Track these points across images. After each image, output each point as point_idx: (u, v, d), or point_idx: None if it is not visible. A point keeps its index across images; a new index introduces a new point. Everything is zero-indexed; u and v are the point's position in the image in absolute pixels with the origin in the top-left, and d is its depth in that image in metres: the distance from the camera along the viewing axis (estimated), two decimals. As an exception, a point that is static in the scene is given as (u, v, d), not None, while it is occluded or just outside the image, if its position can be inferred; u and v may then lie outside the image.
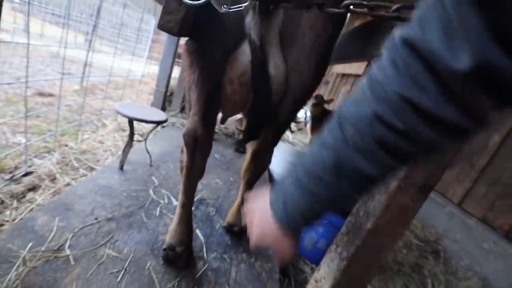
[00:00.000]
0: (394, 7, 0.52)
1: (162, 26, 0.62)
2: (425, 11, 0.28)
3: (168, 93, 3.13)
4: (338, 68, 5.23)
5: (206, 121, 0.85)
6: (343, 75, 5.16)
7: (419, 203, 0.61)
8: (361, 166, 0.33)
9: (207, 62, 0.77)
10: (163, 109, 3.00)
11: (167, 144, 2.08)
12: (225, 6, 0.53)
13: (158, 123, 1.49)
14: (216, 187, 1.67)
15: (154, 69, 5.12)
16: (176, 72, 3.42)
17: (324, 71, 0.92)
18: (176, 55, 3.03)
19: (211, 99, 0.81)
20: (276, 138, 1.00)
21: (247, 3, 0.52)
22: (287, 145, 2.23)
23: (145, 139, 1.67)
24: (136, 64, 4.35)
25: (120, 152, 1.62)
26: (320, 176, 0.37)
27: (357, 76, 4.50)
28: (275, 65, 0.79)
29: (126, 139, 1.58)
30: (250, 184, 1.14)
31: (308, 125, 2.89)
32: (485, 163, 2.00)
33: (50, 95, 2.68)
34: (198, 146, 0.87)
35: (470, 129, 0.29)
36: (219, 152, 2.20)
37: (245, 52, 0.77)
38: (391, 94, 0.29)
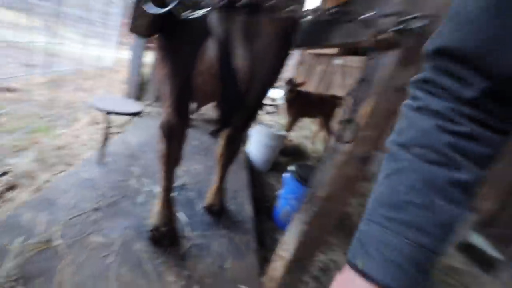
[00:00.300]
0: (332, 10, 0.61)
1: (132, 30, 0.67)
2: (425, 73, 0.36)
3: (142, 82, 3.08)
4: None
5: (180, 112, 0.92)
6: (319, 54, 5.25)
7: (361, 173, 0.74)
8: (444, 174, 0.32)
9: (177, 58, 0.83)
10: (138, 98, 2.97)
11: (145, 133, 2.11)
12: (185, 13, 0.59)
13: (134, 114, 1.52)
14: (195, 173, 1.76)
15: (126, 54, 4.90)
16: (149, 58, 3.34)
17: (285, 59, 1.00)
18: (148, 41, 2.96)
19: (184, 92, 0.88)
20: (246, 123, 1.09)
21: (205, 10, 0.58)
22: (264, 127, 2.33)
23: (122, 131, 1.70)
24: (105, 50, 4.16)
25: (98, 145, 1.64)
26: (410, 201, 0.33)
27: (332, 55, 4.61)
28: (240, 57, 0.87)
29: (102, 131, 1.61)
30: (225, 168, 1.24)
31: (284, 107, 2.99)
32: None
33: (15, 90, 2.56)
34: (174, 136, 0.94)
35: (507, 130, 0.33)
36: (197, 139, 2.27)
37: (212, 47, 0.83)
38: (440, 109, 0.33)
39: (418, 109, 0.36)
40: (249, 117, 1.11)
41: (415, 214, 0.32)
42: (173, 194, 1.14)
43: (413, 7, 0.57)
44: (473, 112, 0.32)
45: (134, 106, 1.61)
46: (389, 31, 0.57)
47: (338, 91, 3.92)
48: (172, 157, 0.99)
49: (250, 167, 2.25)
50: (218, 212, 1.31)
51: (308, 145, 3.46)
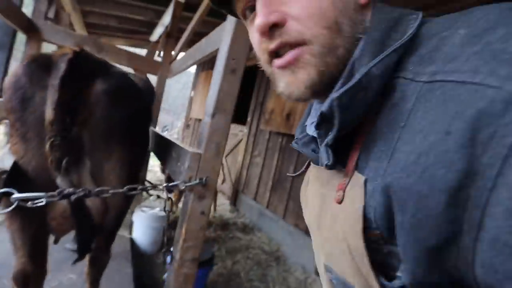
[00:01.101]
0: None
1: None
2: None
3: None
4: (195, 114, 5.90)
5: (35, 260, 0.97)
6: (200, 120, 5.86)
7: (193, 270, 1.06)
8: None
9: (25, 216, 0.94)
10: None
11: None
12: (29, 204, 0.78)
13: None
14: (69, 284, 1.68)
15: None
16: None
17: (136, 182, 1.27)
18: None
19: (36, 241, 0.97)
20: (107, 244, 1.25)
21: (43, 200, 0.79)
22: (145, 210, 2.45)
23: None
24: None
25: None
26: None
27: (210, 121, 5.28)
28: (91, 199, 1.08)
29: None
30: (94, 284, 1.31)
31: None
32: (289, 187, 2.95)
33: None
34: (32, 281, 0.98)
35: None
36: (70, 240, 2.14)
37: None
38: None
39: None
40: (108, 240, 1.26)
41: None
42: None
43: (196, 171, 0.98)
44: None
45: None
46: (183, 186, 0.95)
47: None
48: None
49: (136, 255, 2.28)
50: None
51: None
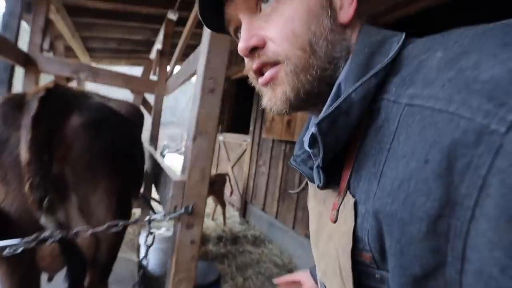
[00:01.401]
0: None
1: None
2: None
3: None
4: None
5: None
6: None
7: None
8: None
9: (12, 259, 0.93)
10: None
11: None
12: (5, 252, 0.75)
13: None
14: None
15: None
16: None
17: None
18: None
19: (26, 283, 0.95)
20: (103, 277, 1.22)
21: (19, 248, 0.76)
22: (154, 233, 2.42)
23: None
24: None
25: None
26: None
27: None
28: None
29: None
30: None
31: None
32: (296, 196, 2.87)
33: None
34: None
35: None
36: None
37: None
38: None
39: None
40: (103, 272, 1.20)
41: None
42: None
43: (181, 199, 0.94)
44: None
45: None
46: (167, 218, 0.90)
47: (225, 166, 4.46)
48: None
49: (144, 277, 2.24)
50: None
51: (210, 224, 3.66)
